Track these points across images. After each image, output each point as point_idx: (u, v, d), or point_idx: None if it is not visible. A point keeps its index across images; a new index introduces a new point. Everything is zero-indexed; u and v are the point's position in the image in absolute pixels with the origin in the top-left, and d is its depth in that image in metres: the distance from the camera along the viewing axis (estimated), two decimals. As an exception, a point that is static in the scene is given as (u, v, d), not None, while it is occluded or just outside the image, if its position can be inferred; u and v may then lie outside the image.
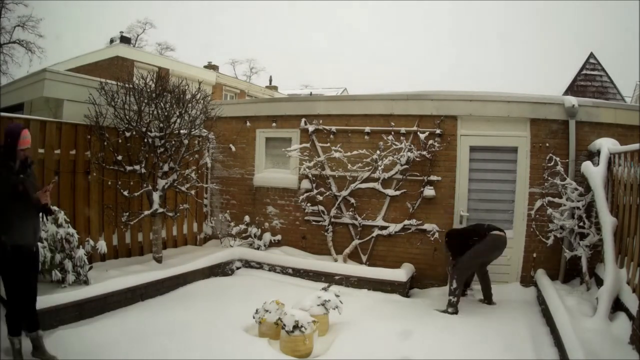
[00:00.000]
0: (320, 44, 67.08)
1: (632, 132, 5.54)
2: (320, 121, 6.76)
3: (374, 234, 6.45)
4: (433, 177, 6.17)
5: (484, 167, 6.10)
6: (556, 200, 5.65)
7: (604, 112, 5.80)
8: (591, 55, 12.32)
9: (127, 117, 5.43)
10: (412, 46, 67.66)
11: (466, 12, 65.06)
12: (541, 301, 5.12)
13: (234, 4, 61.39)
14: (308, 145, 6.78)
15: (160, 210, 5.74)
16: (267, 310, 4.16)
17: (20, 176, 3.35)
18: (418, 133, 6.20)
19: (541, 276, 5.58)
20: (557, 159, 5.67)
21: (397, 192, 6.32)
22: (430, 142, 6.09)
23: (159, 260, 5.75)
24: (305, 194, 6.71)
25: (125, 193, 5.53)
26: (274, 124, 7.17)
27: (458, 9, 65.04)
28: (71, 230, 4.54)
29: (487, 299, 5.45)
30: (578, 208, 5.34)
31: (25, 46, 22.87)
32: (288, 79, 64.48)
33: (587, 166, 5.26)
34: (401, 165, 6.17)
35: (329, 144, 6.66)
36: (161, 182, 5.75)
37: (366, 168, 6.39)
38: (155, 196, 5.69)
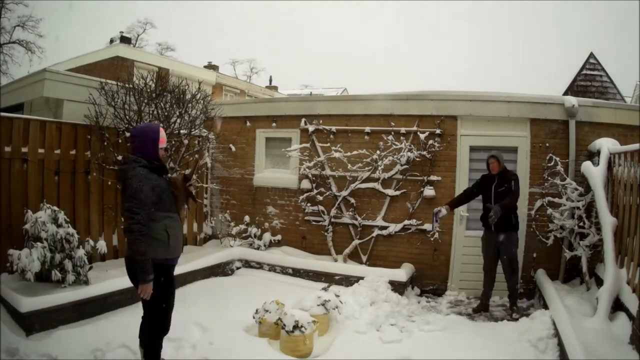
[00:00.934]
0: (321, 44, 67.09)
1: (632, 132, 5.54)
2: (320, 121, 6.76)
3: (374, 234, 6.45)
4: (433, 177, 6.17)
5: (484, 167, 6.07)
6: (556, 200, 5.65)
7: (604, 112, 5.80)
8: (591, 55, 12.30)
9: (127, 117, 5.43)
10: (412, 46, 67.68)
11: (466, 12, 65.05)
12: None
13: (234, 4, 61.42)
14: (308, 145, 6.78)
15: (160, 210, 5.72)
16: (267, 310, 4.16)
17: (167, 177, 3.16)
18: (418, 133, 6.20)
19: (541, 276, 5.58)
20: (557, 159, 5.67)
21: (397, 192, 6.32)
22: (430, 142, 6.09)
23: (159, 260, 5.74)
24: (305, 194, 6.71)
25: (125, 193, 5.52)
26: (274, 124, 7.17)
27: (458, 9, 65.05)
28: (71, 230, 4.53)
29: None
30: (578, 208, 5.34)
31: (25, 46, 22.87)
32: (288, 79, 64.52)
33: (587, 166, 5.26)
34: (401, 165, 6.17)
35: (329, 144, 6.66)
36: (161, 182, 5.74)
37: (366, 168, 6.38)
38: (155, 196, 5.68)
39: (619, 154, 4.84)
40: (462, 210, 6.04)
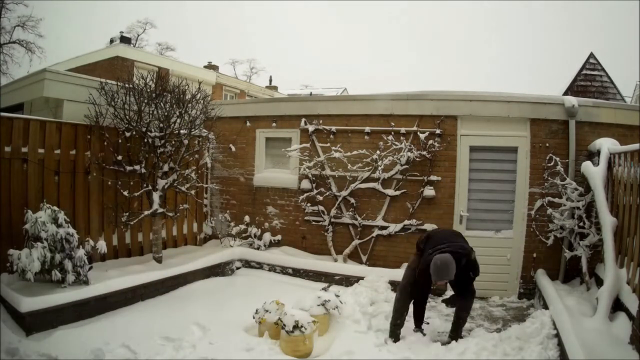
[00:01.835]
0: (321, 44, 67.10)
1: (632, 132, 5.54)
2: (320, 121, 6.76)
3: (374, 234, 6.45)
4: (433, 177, 6.17)
5: (484, 167, 6.10)
6: (556, 200, 5.65)
7: (604, 112, 5.80)
8: (591, 55, 12.29)
9: (127, 117, 5.43)
10: (411, 46, 67.67)
11: (466, 12, 65.05)
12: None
13: (235, 4, 61.42)
14: (308, 145, 6.78)
15: (160, 210, 5.73)
16: (267, 310, 4.17)
17: None
18: (418, 133, 6.20)
19: (541, 276, 5.58)
20: (557, 159, 5.67)
21: (397, 192, 6.32)
22: (430, 142, 6.09)
23: (159, 260, 5.75)
24: (305, 194, 6.71)
25: (125, 193, 5.52)
26: (274, 124, 7.17)
27: (458, 10, 65.05)
28: (71, 230, 4.53)
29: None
30: (578, 208, 5.34)
31: (25, 46, 22.84)
32: (288, 79, 64.52)
33: (587, 166, 5.26)
34: (401, 165, 6.17)
35: (329, 144, 6.66)
36: (161, 182, 5.75)
37: (366, 168, 6.38)
38: (155, 196, 5.69)
39: (619, 154, 4.84)
40: (462, 210, 6.05)
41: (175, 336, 3.99)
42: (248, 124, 7.33)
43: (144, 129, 5.51)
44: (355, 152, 6.36)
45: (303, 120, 6.88)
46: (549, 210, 5.63)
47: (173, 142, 5.86)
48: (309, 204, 6.75)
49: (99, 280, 4.64)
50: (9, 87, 7.29)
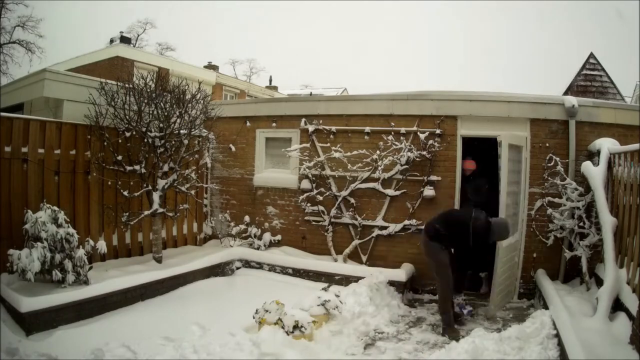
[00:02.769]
0: (321, 44, 67.12)
1: (632, 132, 5.54)
2: (320, 121, 6.76)
3: (374, 234, 6.45)
4: (433, 177, 6.17)
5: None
6: (556, 200, 5.65)
7: (604, 112, 5.80)
8: (591, 55, 12.30)
9: (127, 117, 5.43)
10: (412, 46, 67.69)
11: (466, 12, 65.07)
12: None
13: (235, 4, 61.44)
14: (308, 145, 6.78)
15: (160, 210, 5.73)
16: (267, 310, 4.16)
17: None
18: (418, 133, 6.20)
19: (541, 276, 5.58)
20: (557, 159, 5.67)
21: (397, 192, 6.32)
22: (430, 142, 6.09)
23: (159, 260, 5.75)
24: (305, 194, 6.71)
25: (125, 193, 5.52)
26: (274, 124, 7.17)
27: (459, 9, 65.07)
28: (71, 230, 4.53)
29: None
30: (578, 208, 5.34)
31: (25, 46, 22.85)
32: (288, 79, 64.54)
33: (587, 166, 5.26)
34: (401, 165, 6.17)
35: (329, 144, 6.66)
36: (161, 182, 5.75)
37: (366, 168, 6.39)
38: (155, 196, 5.69)
39: (619, 154, 4.84)
40: (462, 210, 6.04)
41: (175, 336, 3.99)
42: (248, 124, 7.33)
43: (144, 129, 5.51)
44: (355, 152, 6.36)
45: (303, 120, 6.88)
46: (549, 210, 5.63)
47: (173, 142, 5.86)
48: (309, 204, 6.75)
49: (99, 280, 4.64)
50: (9, 87, 7.29)
